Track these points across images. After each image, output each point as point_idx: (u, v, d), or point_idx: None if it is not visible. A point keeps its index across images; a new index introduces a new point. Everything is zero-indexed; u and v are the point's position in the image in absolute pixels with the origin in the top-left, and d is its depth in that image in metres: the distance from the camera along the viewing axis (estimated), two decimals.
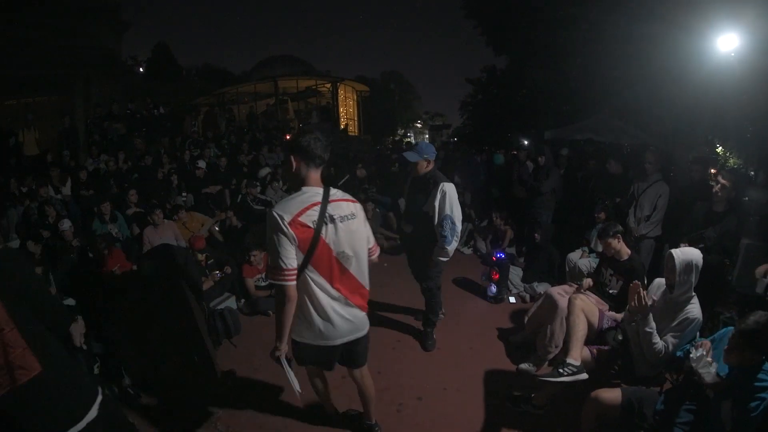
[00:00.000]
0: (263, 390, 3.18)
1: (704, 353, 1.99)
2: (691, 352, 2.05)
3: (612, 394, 2.33)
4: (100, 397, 1.62)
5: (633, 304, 2.42)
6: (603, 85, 10.19)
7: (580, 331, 2.65)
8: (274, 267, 1.86)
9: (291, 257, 1.84)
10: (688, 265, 2.40)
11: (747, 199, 4.09)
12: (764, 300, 3.18)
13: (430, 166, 3.34)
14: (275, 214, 1.83)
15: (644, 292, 2.39)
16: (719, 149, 14.10)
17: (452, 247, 3.24)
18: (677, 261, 2.40)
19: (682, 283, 2.42)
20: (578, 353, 2.55)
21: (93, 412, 1.56)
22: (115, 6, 12.67)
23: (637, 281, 2.50)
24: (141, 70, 23.03)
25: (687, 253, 2.44)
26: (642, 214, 4.56)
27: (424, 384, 3.21)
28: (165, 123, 10.28)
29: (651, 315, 2.43)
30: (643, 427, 2.22)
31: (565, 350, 2.62)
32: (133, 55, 24.03)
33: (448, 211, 3.16)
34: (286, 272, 1.84)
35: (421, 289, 3.66)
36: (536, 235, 5.16)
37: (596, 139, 9.04)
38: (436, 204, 3.18)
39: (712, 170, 5.64)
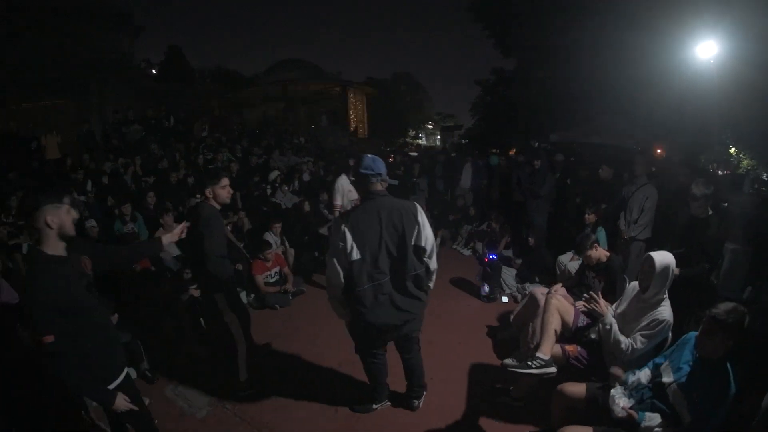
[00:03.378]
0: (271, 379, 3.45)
1: (621, 393, 2.25)
2: (613, 387, 2.29)
3: (577, 388, 2.48)
4: (126, 370, 2.11)
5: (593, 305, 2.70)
6: (606, 88, 10.27)
7: (552, 328, 2.83)
8: None
9: None
10: (665, 269, 2.52)
11: (726, 204, 4.20)
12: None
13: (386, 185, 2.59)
14: None
15: (596, 295, 2.71)
16: (732, 150, 13.94)
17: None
18: (656, 263, 2.51)
19: (656, 285, 2.54)
20: (548, 348, 2.73)
21: (121, 378, 2.05)
22: (128, 11, 13.16)
23: (592, 293, 2.74)
24: (153, 72, 23.32)
25: (664, 256, 2.55)
26: (631, 217, 4.69)
27: None
28: (178, 128, 10.65)
29: (609, 313, 2.63)
30: (608, 422, 2.30)
31: (537, 345, 2.82)
32: (146, 58, 24.37)
33: (431, 233, 2.60)
34: None
35: (405, 359, 2.95)
36: (530, 238, 5.35)
37: (599, 142, 9.12)
38: (427, 228, 2.53)
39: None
